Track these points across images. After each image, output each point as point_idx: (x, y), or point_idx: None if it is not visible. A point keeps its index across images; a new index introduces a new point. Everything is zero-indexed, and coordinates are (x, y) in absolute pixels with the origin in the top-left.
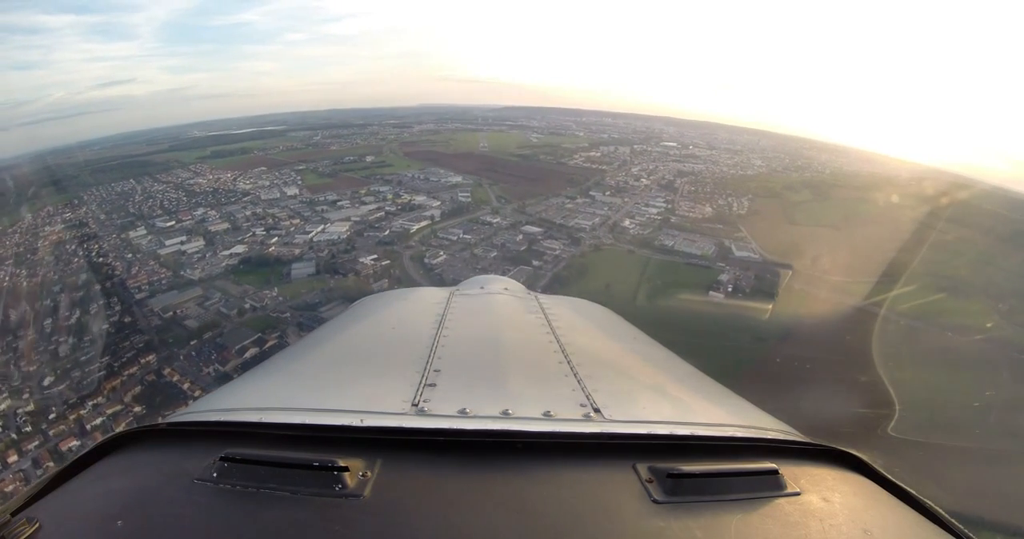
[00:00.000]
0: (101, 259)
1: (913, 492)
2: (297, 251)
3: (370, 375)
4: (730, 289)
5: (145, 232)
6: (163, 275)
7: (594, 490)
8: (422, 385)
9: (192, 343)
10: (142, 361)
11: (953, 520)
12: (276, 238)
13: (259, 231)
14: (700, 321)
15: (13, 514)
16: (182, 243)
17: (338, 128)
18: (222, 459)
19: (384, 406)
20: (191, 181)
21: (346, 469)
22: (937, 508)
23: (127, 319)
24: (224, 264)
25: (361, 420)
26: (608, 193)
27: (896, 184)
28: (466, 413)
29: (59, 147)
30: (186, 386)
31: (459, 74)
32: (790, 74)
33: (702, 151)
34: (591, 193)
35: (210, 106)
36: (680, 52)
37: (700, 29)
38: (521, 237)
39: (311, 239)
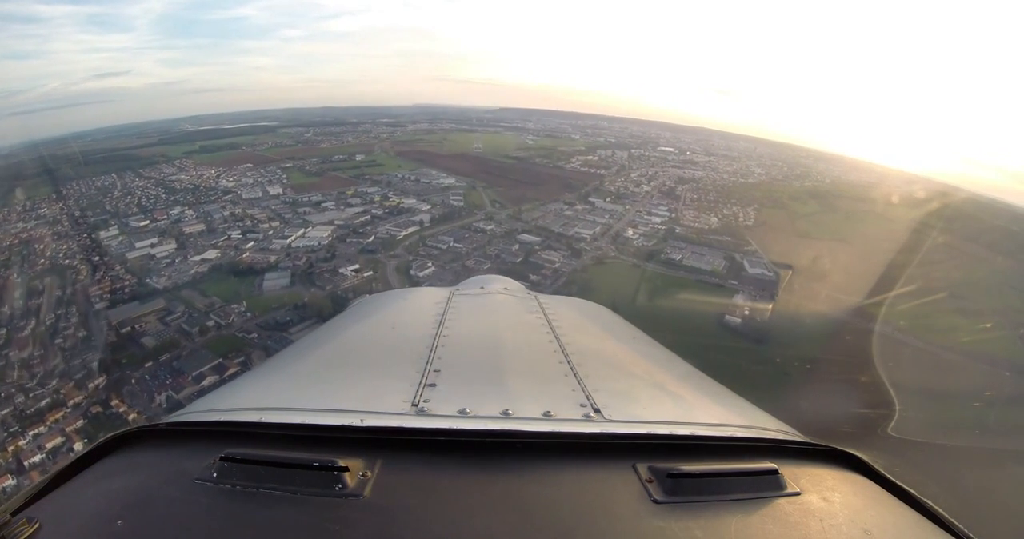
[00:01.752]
0: (67, 261)
1: (913, 492)
2: (273, 258)
3: (370, 375)
4: (747, 312)
5: (117, 232)
6: (127, 282)
7: (594, 490)
8: (422, 385)
9: (147, 365)
10: (90, 386)
11: (953, 520)
12: (252, 242)
13: (235, 234)
14: (716, 349)
15: (13, 514)
16: (152, 246)
17: (331, 125)
18: (222, 459)
19: (384, 406)
20: (173, 177)
21: (346, 469)
22: (937, 508)
23: (81, 333)
24: (193, 271)
25: (361, 420)
26: (608, 199)
27: (900, 195)
28: (466, 413)
29: (50, 138)
30: (131, 417)
31: (455, 74)
32: (784, 81)
33: (700, 157)
34: (590, 199)
35: (204, 100)
36: (675, 57)
37: (696, 34)
38: (517, 247)
39: (289, 244)
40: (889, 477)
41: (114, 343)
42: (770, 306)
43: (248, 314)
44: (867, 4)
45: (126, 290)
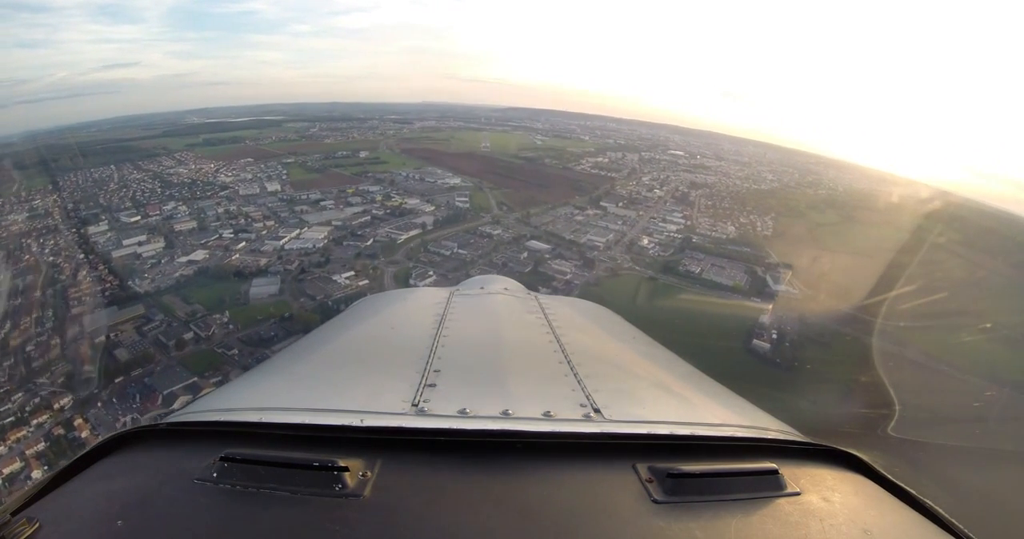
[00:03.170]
0: (51, 258)
1: (913, 492)
2: (263, 261)
3: (370, 375)
4: (774, 336)
5: (107, 228)
6: (109, 284)
7: (594, 490)
8: (422, 385)
9: (117, 380)
10: (55, 404)
11: (953, 520)
12: (244, 243)
13: (227, 233)
14: (744, 377)
15: (13, 514)
16: (140, 244)
17: (337, 121)
18: (222, 459)
19: (384, 406)
20: (172, 170)
21: (346, 469)
22: (937, 508)
23: (55, 341)
24: (178, 274)
25: (361, 420)
26: (620, 204)
27: (918, 207)
28: (466, 413)
29: (55, 128)
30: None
31: (464, 73)
32: (793, 87)
33: (711, 161)
34: (602, 203)
35: (212, 93)
36: (685, 60)
37: (704, 39)
38: (526, 255)
39: (282, 247)
40: (889, 477)
41: (87, 354)
42: (798, 327)
43: (230, 326)
44: (872, 9)
45: (106, 293)
